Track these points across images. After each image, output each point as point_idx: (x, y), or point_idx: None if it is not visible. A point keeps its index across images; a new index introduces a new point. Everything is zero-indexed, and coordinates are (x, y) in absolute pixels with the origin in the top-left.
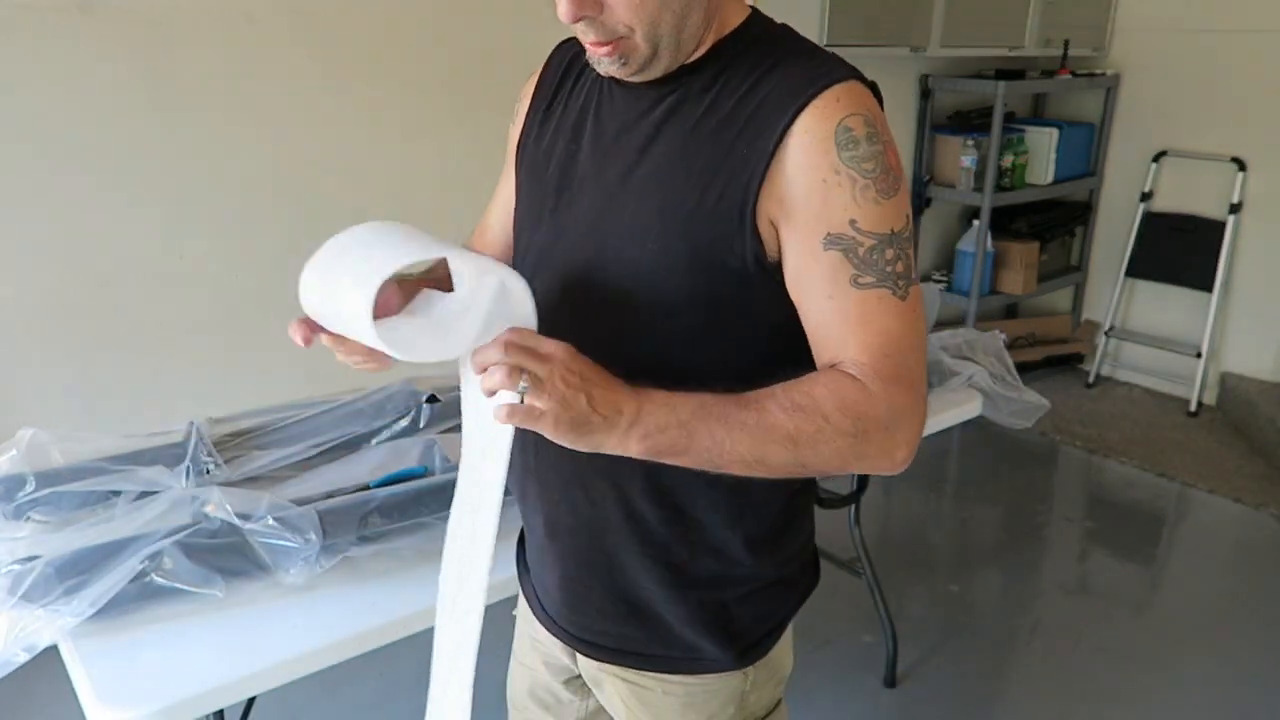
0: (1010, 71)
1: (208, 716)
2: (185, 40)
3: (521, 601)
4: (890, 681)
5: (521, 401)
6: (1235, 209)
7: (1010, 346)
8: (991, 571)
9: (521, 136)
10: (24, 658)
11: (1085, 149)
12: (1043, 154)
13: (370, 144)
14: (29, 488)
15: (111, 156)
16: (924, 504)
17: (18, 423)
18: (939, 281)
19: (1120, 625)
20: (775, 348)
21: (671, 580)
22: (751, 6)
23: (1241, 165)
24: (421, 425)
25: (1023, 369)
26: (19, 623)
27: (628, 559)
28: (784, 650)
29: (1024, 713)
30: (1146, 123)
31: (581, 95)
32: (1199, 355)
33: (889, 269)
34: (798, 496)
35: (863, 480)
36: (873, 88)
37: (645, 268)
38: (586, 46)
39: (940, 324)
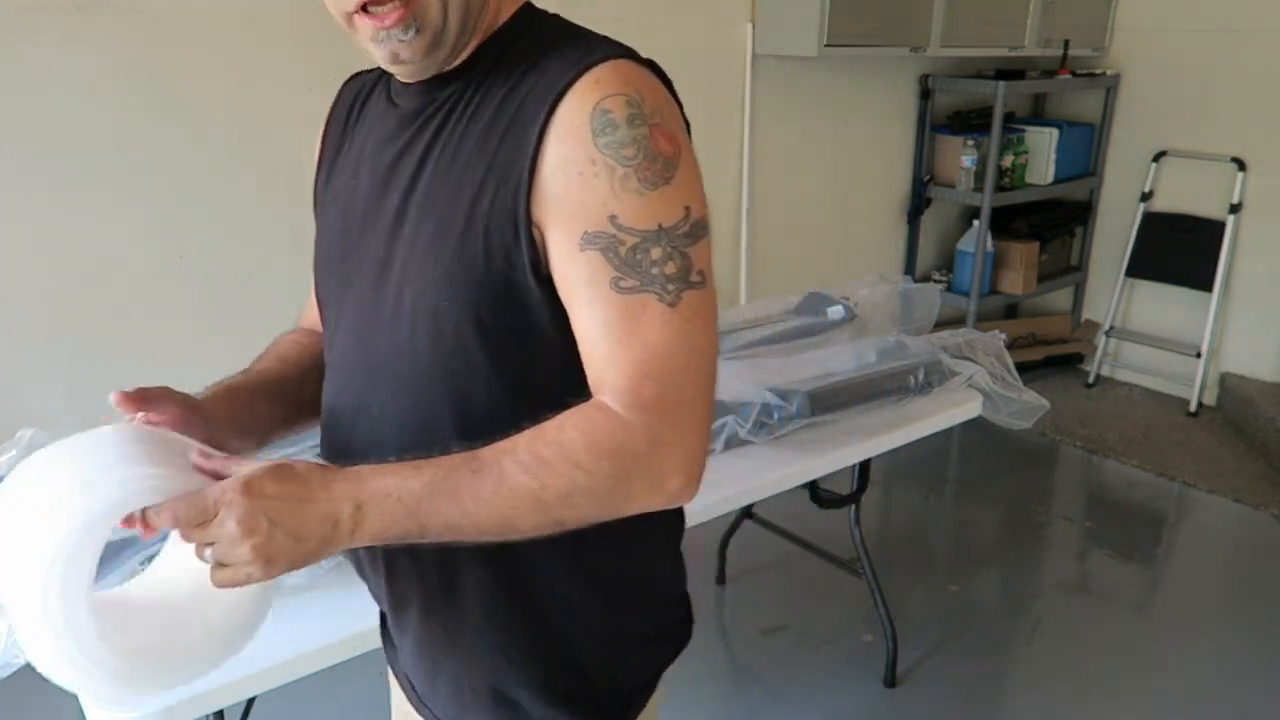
0: (1010, 71)
1: (208, 716)
2: (185, 40)
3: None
4: (890, 681)
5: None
6: (1235, 209)
7: (1010, 346)
8: (991, 571)
9: (315, 183)
10: (24, 658)
11: (1085, 149)
12: (1043, 154)
13: None
14: None
15: (111, 156)
16: (924, 504)
17: (18, 423)
18: (939, 281)
19: (1120, 625)
20: (584, 376)
21: (515, 653)
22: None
23: (1241, 165)
24: None
25: (1023, 369)
26: None
27: (465, 634)
28: (650, 714)
29: (1024, 713)
30: (1146, 123)
31: (363, 129)
32: (1199, 355)
33: (655, 271)
34: (654, 547)
35: (863, 480)
36: (652, 66)
37: (434, 298)
38: (371, 28)
39: (940, 324)
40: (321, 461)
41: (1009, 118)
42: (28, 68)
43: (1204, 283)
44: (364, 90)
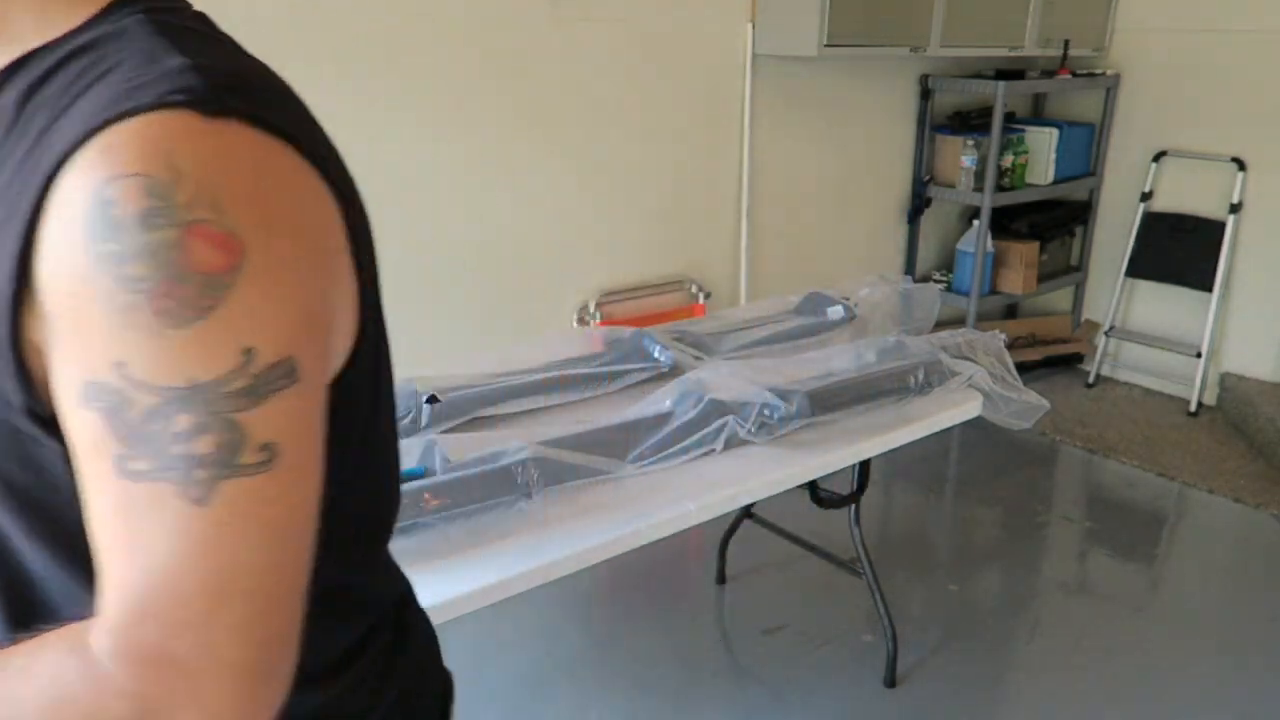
0: (1010, 71)
1: None
2: None
3: None
4: (890, 681)
5: None
6: (1235, 209)
7: (1010, 346)
8: (991, 571)
9: None
10: None
11: (1085, 149)
12: (1043, 154)
13: (375, 144)
14: None
15: None
16: (924, 504)
17: None
18: (939, 281)
19: (1120, 625)
20: None
21: None
22: None
23: (1241, 165)
24: (422, 425)
25: (1023, 369)
26: None
27: None
28: None
29: (1024, 713)
30: (1146, 123)
31: None
32: (1199, 355)
33: (177, 450)
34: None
35: (863, 480)
36: (258, 119)
37: None
38: None
39: (940, 324)
40: None
41: (1009, 118)
42: None
43: (1204, 283)
44: None
